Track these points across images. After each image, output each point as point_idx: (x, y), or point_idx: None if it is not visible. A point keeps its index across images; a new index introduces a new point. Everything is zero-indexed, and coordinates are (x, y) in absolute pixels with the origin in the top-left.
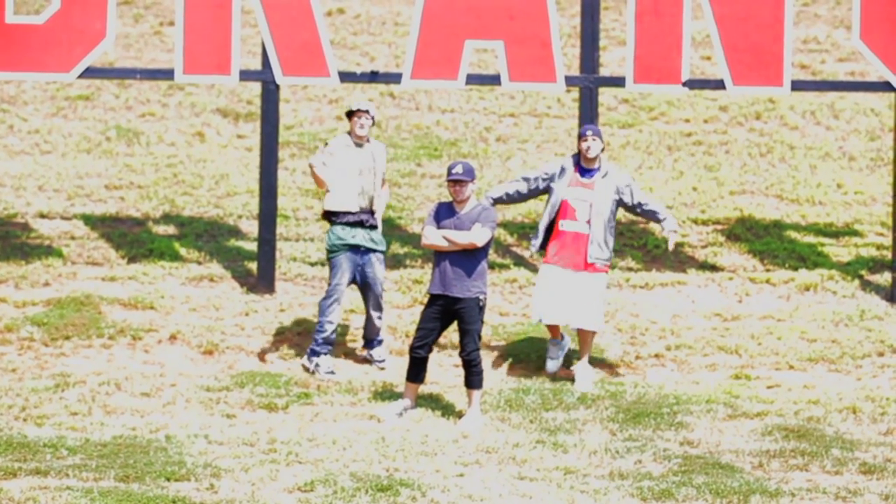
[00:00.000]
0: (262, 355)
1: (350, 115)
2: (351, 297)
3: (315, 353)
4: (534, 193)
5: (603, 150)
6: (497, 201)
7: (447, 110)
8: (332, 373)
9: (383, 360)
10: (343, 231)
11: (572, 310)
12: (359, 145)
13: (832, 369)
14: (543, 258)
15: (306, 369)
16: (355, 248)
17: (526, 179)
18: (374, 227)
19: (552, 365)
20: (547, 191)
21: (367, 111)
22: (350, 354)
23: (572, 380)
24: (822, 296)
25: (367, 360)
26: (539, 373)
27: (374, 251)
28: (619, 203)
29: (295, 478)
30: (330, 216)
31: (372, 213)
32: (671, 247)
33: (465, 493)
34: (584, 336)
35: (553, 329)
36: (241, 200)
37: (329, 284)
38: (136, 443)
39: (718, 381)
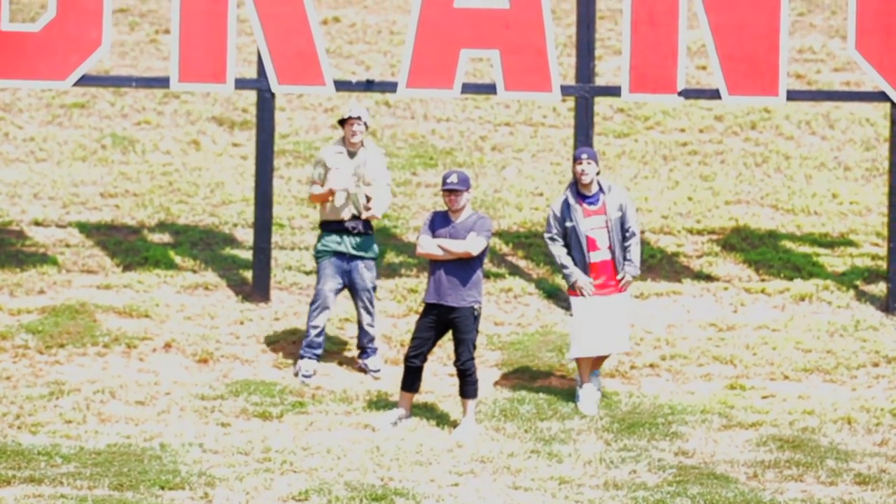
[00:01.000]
0: (255, 363)
1: (343, 122)
2: (346, 305)
3: (301, 357)
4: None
5: (598, 172)
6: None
7: (443, 119)
8: (308, 376)
9: (378, 370)
10: (330, 237)
11: (608, 338)
12: (351, 153)
13: (827, 379)
14: (571, 292)
15: (295, 375)
16: (341, 255)
17: (556, 239)
18: (362, 234)
19: (590, 405)
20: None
21: (359, 118)
22: (345, 363)
23: (569, 391)
24: (817, 306)
25: (363, 370)
26: (534, 382)
27: (363, 258)
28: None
29: (289, 486)
30: (321, 224)
31: (362, 220)
32: (622, 284)
33: (460, 502)
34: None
35: (585, 368)
36: (237, 209)
37: (316, 289)
38: (131, 451)
39: (713, 391)
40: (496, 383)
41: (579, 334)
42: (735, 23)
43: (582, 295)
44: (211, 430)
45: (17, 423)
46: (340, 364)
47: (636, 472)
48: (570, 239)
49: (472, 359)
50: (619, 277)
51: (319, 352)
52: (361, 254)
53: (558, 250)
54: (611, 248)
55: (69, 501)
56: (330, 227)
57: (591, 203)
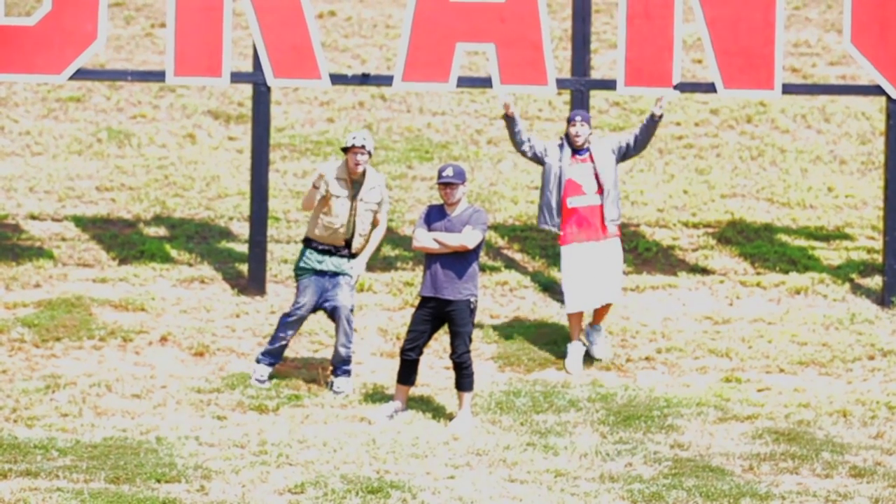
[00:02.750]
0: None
1: (345, 150)
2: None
3: (257, 360)
4: (525, 147)
5: (590, 133)
6: (517, 132)
7: (438, 113)
8: (264, 381)
9: (342, 392)
10: (312, 255)
11: (601, 288)
12: (354, 181)
13: (822, 373)
14: (560, 240)
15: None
16: (321, 273)
17: (529, 139)
18: (345, 256)
19: (576, 364)
20: (535, 159)
21: (363, 147)
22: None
23: (565, 384)
24: (812, 299)
25: (329, 385)
26: (529, 375)
27: (343, 274)
28: (622, 157)
29: (285, 480)
30: (309, 240)
31: (351, 249)
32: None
33: (456, 495)
34: (604, 307)
35: (576, 325)
36: (232, 202)
37: (293, 304)
38: (127, 444)
39: (709, 384)
40: (492, 376)
41: (571, 287)
42: (730, 16)
43: (508, 113)
44: (207, 423)
45: (14, 416)
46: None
47: (632, 465)
48: (547, 179)
49: (468, 352)
50: (657, 105)
51: (277, 362)
52: (342, 271)
53: (525, 134)
54: (600, 193)
55: (65, 495)
56: (317, 245)
57: (580, 153)
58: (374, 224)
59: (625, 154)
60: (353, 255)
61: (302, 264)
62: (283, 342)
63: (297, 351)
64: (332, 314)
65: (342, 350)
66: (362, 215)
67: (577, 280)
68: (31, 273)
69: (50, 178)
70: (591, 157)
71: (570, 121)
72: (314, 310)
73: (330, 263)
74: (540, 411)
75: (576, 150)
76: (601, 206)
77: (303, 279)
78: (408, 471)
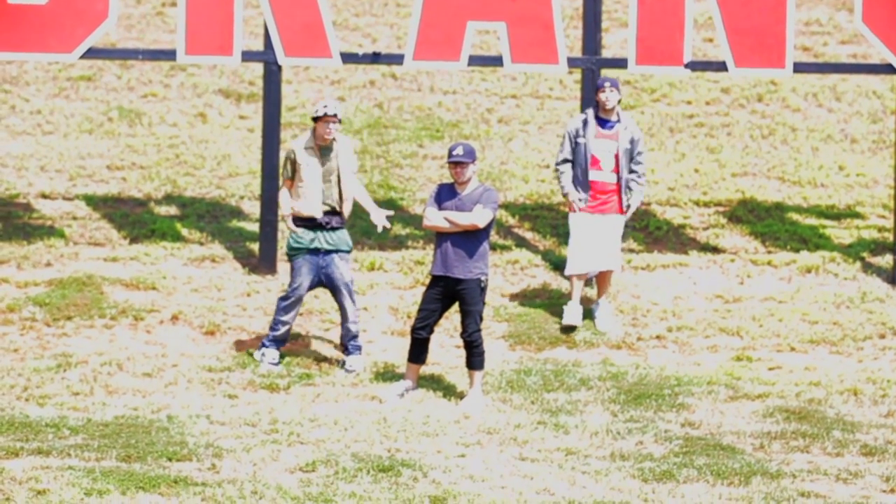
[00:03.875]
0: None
1: (316, 119)
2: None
3: (264, 346)
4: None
5: (619, 101)
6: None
7: (449, 92)
8: (277, 364)
9: (354, 371)
10: (303, 234)
11: (601, 255)
12: (323, 148)
13: (833, 351)
14: (571, 209)
15: (255, 359)
16: (315, 252)
17: (563, 171)
18: (334, 229)
19: (574, 316)
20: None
21: (335, 115)
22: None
23: (576, 363)
24: (823, 278)
25: (342, 364)
26: (540, 354)
27: (337, 251)
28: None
29: (296, 458)
30: (294, 219)
31: (335, 214)
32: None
33: (467, 473)
34: (604, 277)
35: (577, 288)
36: (243, 181)
37: (289, 286)
38: (138, 423)
39: (720, 363)
40: (503, 355)
41: (574, 251)
42: None
43: (573, 210)
44: (218, 401)
45: (25, 395)
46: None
47: (643, 444)
48: (576, 155)
49: (479, 330)
50: (625, 206)
51: (284, 346)
52: (336, 248)
53: (564, 180)
54: (616, 172)
55: (77, 473)
56: (302, 223)
57: (608, 127)
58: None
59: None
60: (340, 227)
61: (294, 244)
62: (287, 326)
63: (307, 329)
64: (334, 293)
65: (352, 327)
66: (345, 177)
67: (582, 246)
68: (42, 252)
69: (61, 157)
70: (617, 135)
71: (599, 87)
72: (311, 288)
73: (322, 240)
74: (551, 390)
75: (603, 122)
76: (617, 184)
77: (296, 259)
78: (419, 449)
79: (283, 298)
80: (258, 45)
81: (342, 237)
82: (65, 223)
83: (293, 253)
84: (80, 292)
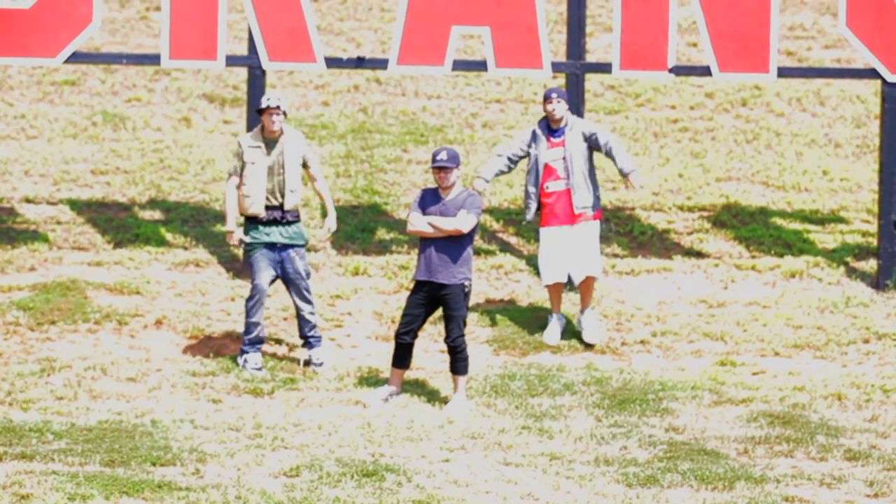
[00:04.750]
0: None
1: (261, 112)
2: (346, 282)
3: (244, 352)
4: (516, 164)
5: (567, 110)
6: (500, 172)
7: (433, 96)
8: (260, 369)
9: (321, 364)
10: (257, 231)
11: (572, 263)
12: (270, 142)
13: (817, 356)
14: (540, 223)
15: (238, 365)
16: (271, 246)
17: (508, 157)
18: (290, 223)
19: (553, 335)
20: (527, 157)
21: (277, 108)
22: (336, 339)
23: (560, 367)
24: (807, 282)
25: (308, 363)
26: (524, 358)
27: (292, 246)
28: (591, 148)
29: (280, 463)
30: (245, 218)
31: (284, 209)
32: (636, 186)
33: (451, 478)
34: (585, 286)
35: (556, 298)
36: None
37: (251, 283)
38: (122, 427)
39: (704, 368)
40: (487, 360)
41: (544, 263)
42: (726, 0)
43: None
44: (202, 406)
45: (9, 399)
46: (332, 340)
47: (627, 448)
48: (530, 166)
49: (463, 335)
50: (634, 183)
51: (262, 346)
52: (292, 242)
53: (496, 164)
54: (567, 180)
55: (60, 478)
56: (255, 219)
57: (556, 136)
58: (312, 179)
59: (595, 147)
60: (295, 221)
61: (250, 239)
62: (259, 326)
63: (291, 334)
64: (288, 285)
65: (310, 318)
66: (290, 171)
67: (551, 257)
68: (26, 256)
69: (45, 162)
70: (564, 141)
71: (546, 98)
72: (272, 282)
73: (277, 234)
74: (535, 395)
75: (553, 132)
76: (569, 191)
77: (254, 254)
78: (403, 454)
79: (248, 299)
80: (242, 50)
81: (298, 231)
82: (49, 228)
83: (250, 248)
84: (64, 297)
